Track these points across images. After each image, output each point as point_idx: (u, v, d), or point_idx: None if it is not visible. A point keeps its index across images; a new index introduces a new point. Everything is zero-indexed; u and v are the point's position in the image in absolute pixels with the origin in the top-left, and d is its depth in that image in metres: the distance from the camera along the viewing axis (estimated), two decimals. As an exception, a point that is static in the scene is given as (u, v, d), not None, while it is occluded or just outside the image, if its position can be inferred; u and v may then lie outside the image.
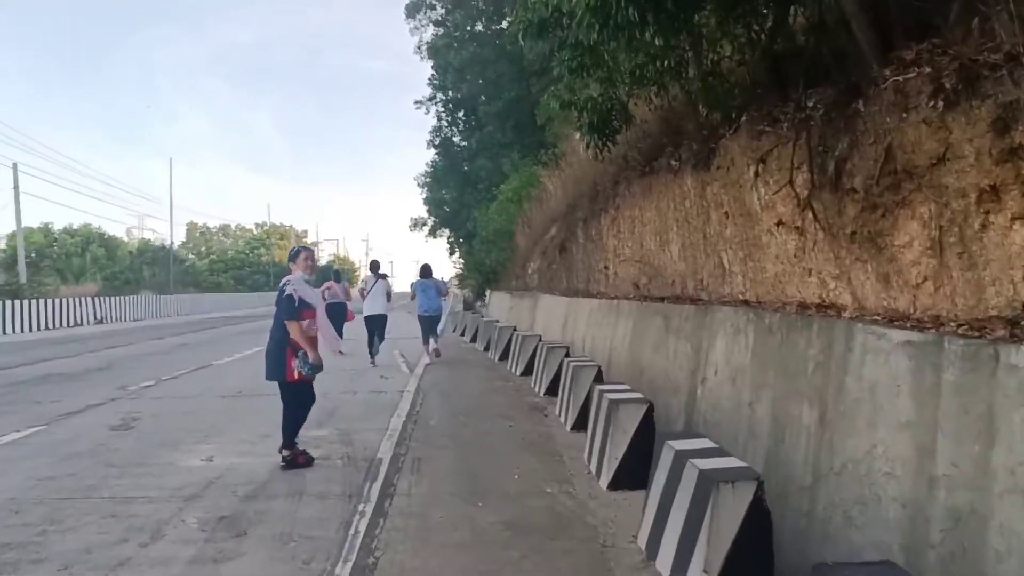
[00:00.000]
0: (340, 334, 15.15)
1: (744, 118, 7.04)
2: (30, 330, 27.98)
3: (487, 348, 16.53)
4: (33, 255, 57.67)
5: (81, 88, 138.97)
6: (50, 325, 29.89)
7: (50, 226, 59.02)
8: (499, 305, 27.55)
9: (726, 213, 7.39)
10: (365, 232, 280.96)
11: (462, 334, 22.07)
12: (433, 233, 54.63)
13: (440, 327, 16.66)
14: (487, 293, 34.85)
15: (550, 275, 19.25)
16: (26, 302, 29.00)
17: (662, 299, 9.80)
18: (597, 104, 9.06)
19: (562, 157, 22.34)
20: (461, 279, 44.79)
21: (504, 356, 14.35)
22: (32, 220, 67.68)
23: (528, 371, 11.99)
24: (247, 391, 10.79)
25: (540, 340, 12.32)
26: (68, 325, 31.06)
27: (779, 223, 6.38)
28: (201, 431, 8.10)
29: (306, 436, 7.41)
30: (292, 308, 6.57)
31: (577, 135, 12.19)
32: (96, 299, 34.98)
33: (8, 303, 27.64)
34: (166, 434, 7.97)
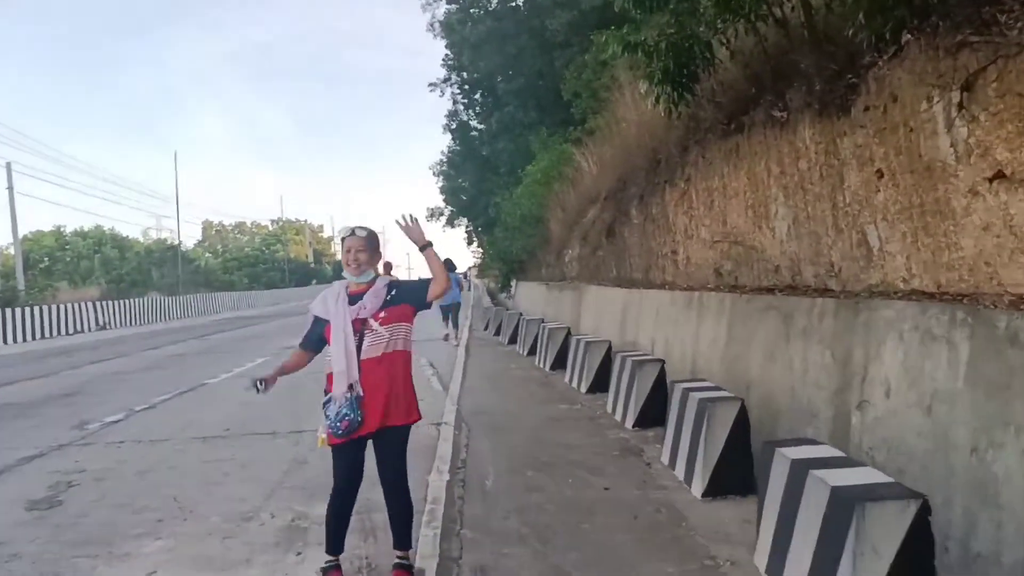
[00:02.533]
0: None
1: (925, 29, 4.62)
2: (24, 340, 25.70)
3: (531, 351, 13.93)
4: (45, 259, 55.89)
5: (98, 89, 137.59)
6: (48, 333, 27.62)
7: (61, 229, 57.23)
8: (529, 296, 25.03)
9: (879, 172, 5.10)
10: (381, 225, 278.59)
11: (496, 333, 19.43)
12: (451, 223, 52.79)
13: (460, 318, 18.41)
14: (512, 284, 32.37)
15: (595, 263, 16.62)
16: (21, 310, 26.71)
17: (770, 290, 7.33)
18: (673, 44, 7.22)
19: (595, 132, 20.17)
20: (481, 269, 42.37)
21: (559, 364, 11.72)
22: (46, 224, 66.03)
23: (598, 387, 9.40)
24: (236, 429, 8.26)
25: (610, 348, 9.74)
26: (68, 332, 28.81)
27: (996, 177, 3.91)
28: (154, 511, 5.52)
29: (296, 518, 4.86)
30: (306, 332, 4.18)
31: (626, 92, 9.79)
32: (98, 303, 32.71)
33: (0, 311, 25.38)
34: (102, 519, 5.40)
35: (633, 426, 7.40)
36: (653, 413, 7.38)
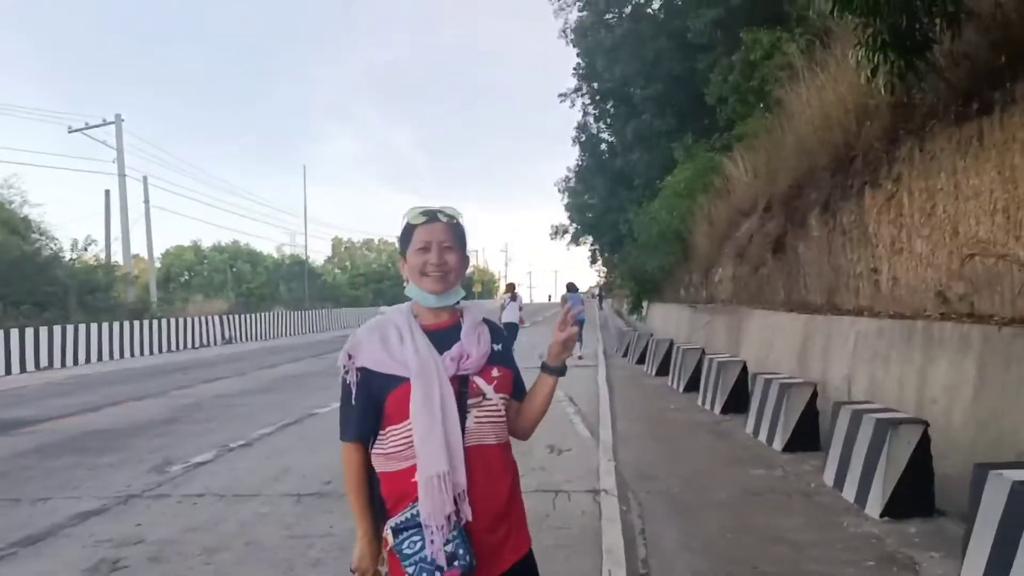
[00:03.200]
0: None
1: None
2: (151, 353, 25.49)
3: (691, 387, 11.72)
4: (185, 274, 57.74)
5: (239, 115, 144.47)
6: (175, 347, 27.45)
7: (199, 244, 58.98)
8: (666, 320, 22.78)
9: None
10: (504, 243, 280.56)
11: (639, 360, 17.23)
12: (576, 240, 51.27)
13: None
14: (644, 305, 30.13)
15: (756, 283, 14.30)
16: (150, 322, 26.60)
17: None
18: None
19: (745, 138, 17.60)
20: (606, 289, 40.48)
21: (732, 407, 9.48)
22: (186, 239, 68.57)
23: (799, 444, 7.17)
24: (338, 483, 6.56)
25: (815, 393, 7.49)
26: (195, 346, 28.61)
27: None
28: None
29: None
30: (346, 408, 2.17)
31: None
32: (225, 317, 32.61)
33: (129, 324, 25.24)
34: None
35: (881, 515, 5.15)
36: (910, 495, 5.14)
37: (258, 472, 7.10)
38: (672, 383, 12.59)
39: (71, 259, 28.83)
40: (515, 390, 2.25)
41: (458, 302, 2.23)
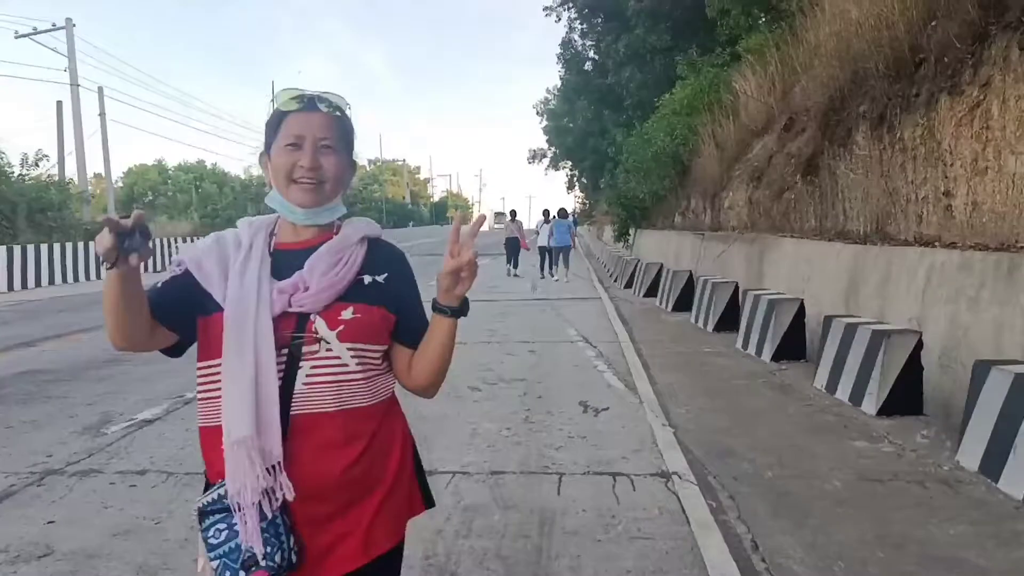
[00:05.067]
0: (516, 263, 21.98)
1: None
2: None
3: (721, 326, 10.28)
4: (149, 194, 55.40)
5: (204, 29, 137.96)
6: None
7: (163, 162, 56.70)
8: (660, 248, 21.31)
9: None
10: (478, 167, 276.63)
11: (650, 293, 15.71)
12: (555, 165, 50.18)
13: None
14: (631, 233, 28.77)
15: (780, 209, 12.80)
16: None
17: None
18: None
19: (755, 51, 16.19)
20: (584, 215, 39.31)
21: (787, 354, 8.05)
22: (149, 158, 65.64)
23: (898, 406, 5.77)
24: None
25: (920, 344, 6.05)
26: (156, 270, 26.68)
27: None
28: None
29: None
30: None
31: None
32: (189, 239, 30.60)
33: (84, 245, 23.27)
34: None
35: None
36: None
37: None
38: (697, 320, 11.13)
39: (20, 175, 26.58)
40: (400, 333, 1.76)
41: (339, 221, 1.75)
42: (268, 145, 1.69)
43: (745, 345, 8.78)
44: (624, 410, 6.17)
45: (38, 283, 20.74)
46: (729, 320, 10.22)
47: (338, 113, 1.69)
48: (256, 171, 59.46)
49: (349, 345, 1.62)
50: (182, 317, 1.64)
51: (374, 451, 1.68)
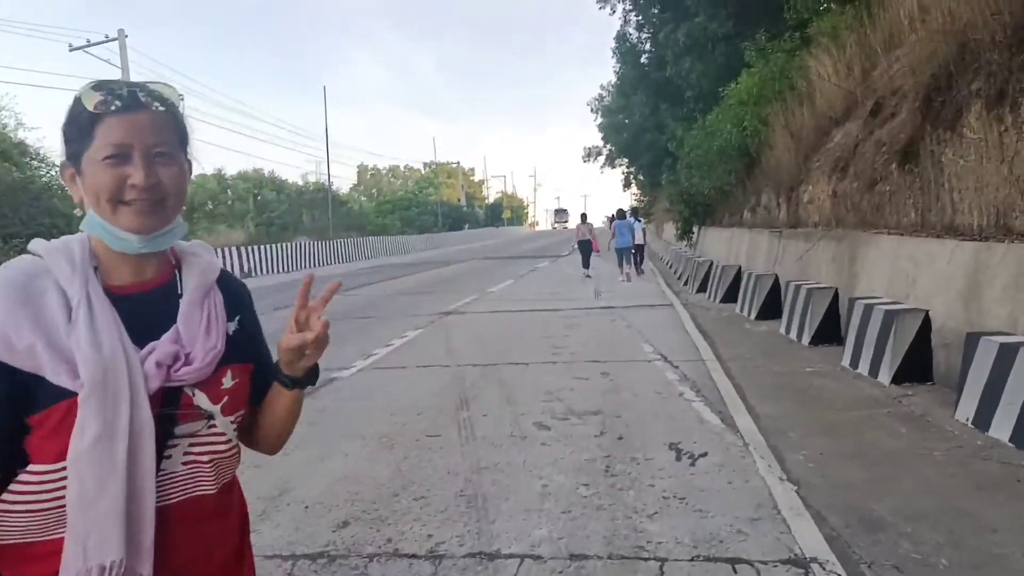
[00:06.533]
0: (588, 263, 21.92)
1: None
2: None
3: (819, 339, 8.98)
4: (209, 203, 55.94)
5: (253, 37, 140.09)
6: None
7: (222, 172, 57.20)
8: (727, 247, 20.11)
9: None
10: (532, 167, 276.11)
11: (728, 298, 14.45)
12: (611, 163, 49.32)
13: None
14: (695, 231, 27.64)
15: (872, 202, 11.47)
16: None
17: None
18: None
19: (824, 35, 15.38)
20: (641, 212, 38.34)
21: (908, 375, 6.77)
22: (209, 167, 66.44)
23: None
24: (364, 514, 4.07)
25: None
26: (210, 281, 26.26)
27: None
28: None
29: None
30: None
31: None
32: (244, 248, 30.24)
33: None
34: None
35: None
36: None
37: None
38: (789, 331, 9.84)
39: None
40: (255, 391, 1.48)
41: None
42: (73, 155, 1.30)
43: (854, 363, 7.51)
44: (726, 456, 5.02)
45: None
46: (828, 332, 8.95)
47: (165, 106, 1.32)
48: (313, 176, 59.58)
49: (232, 417, 1.40)
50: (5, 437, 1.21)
51: (240, 519, 1.54)
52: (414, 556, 3.68)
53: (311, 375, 1.46)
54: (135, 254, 1.31)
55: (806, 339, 9.13)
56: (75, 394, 1.19)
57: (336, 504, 4.41)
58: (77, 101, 1.27)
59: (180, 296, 1.35)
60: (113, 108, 1.25)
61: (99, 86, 1.27)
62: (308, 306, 1.41)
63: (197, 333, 1.33)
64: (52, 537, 1.21)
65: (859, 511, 4.06)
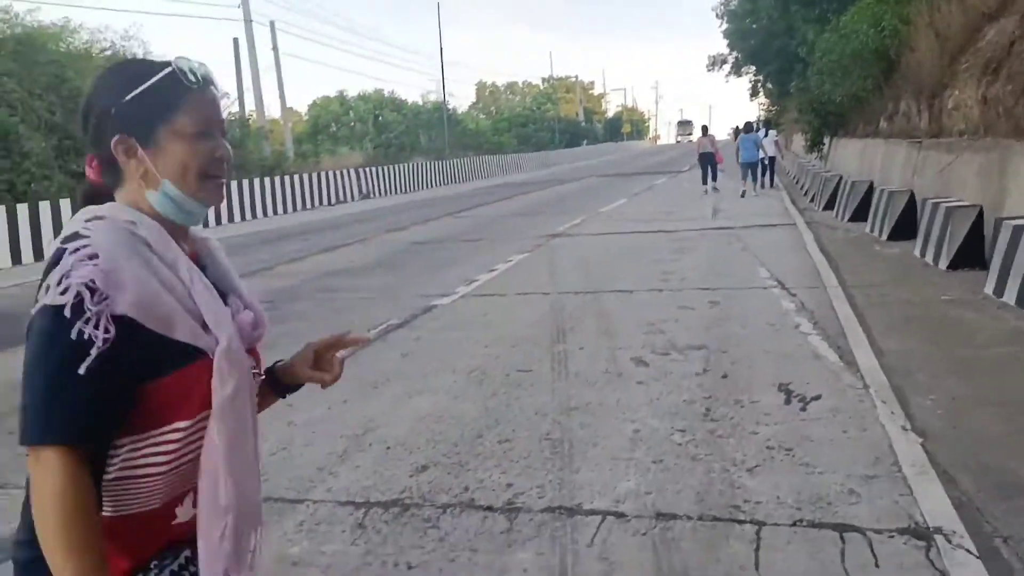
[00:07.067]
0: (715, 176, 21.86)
1: None
2: (283, 212, 23.83)
3: (958, 263, 8.12)
4: (332, 125, 57.24)
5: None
6: (309, 204, 25.74)
7: (344, 93, 58.12)
8: (860, 158, 18.75)
9: None
10: (654, 80, 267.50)
11: (851, 216, 13.49)
12: (737, 71, 47.10)
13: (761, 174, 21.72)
14: (825, 142, 26.11)
15: (1028, 108, 10.26)
16: (280, 179, 24.89)
17: None
18: None
19: None
20: (770, 123, 36.58)
21: (1019, 289, 6.04)
22: (332, 90, 67.54)
23: None
24: (452, 468, 3.88)
25: None
26: (330, 203, 26.92)
27: None
28: None
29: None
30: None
31: None
32: (362, 170, 30.64)
33: (260, 182, 23.59)
34: None
35: None
36: None
37: (322, 439, 4.48)
38: (925, 254, 8.95)
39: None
40: None
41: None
42: (142, 128, 1.26)
43: (999, 291, 6.70)
44: (842, 399, 4.54)
45: (218, 221, 21.07)
46: (969, 255, 8.07)
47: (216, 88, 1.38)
48: (433, 96, 59.52)
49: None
50: (119, 412, 1.21)
51: None
52: (489, 508, 3.47)
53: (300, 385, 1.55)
54: (186, 226, 1.36)
55: (943, 263, 8.26)
56: (205, 352, 1.24)
57: (418, 446, 4.25)
58: (169, 74, 1.28)
59: (204, 268, 1.36)
60: (201, 84, 1.30)
61: (187, 61, 1.30)
62: (335, 347, 1.50)
63: (252, 299, 1.42)
64: (165, 499, 1.28)
65: (996, 472, 3.54)
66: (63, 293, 1.13)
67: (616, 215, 16.79)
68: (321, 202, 26.65)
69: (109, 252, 1.17)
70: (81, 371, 1.12)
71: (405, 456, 4.13)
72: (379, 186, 31.03)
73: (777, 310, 6.86)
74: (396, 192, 31.64)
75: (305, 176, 26.57)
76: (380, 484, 3.81)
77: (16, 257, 14.13)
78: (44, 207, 14.88)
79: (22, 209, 14.64)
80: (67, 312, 1.12)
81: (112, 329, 1.14)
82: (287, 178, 25.39)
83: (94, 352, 1.12)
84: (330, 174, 28.29)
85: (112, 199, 1.29)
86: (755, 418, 4.34)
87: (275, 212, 23.67)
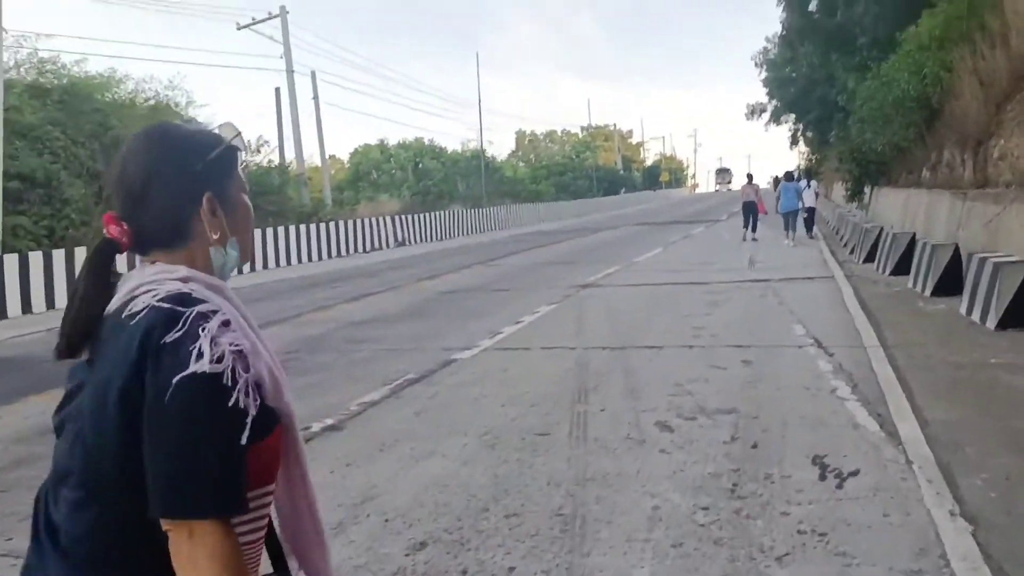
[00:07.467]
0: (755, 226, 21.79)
1: None
2: (318, 259, 23.90)
3: (1006, 323, 7.65)
4: (373, 172, 58.09)
5: (409, 8, 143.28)
6: (344, 251, 25.83)
7: (385, 141, 59.12)
8: (902, 209, 18.33)
9: None
10: (692, 128, 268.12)
11: (869, 259, 13.05)
12: (776, 119, 47.01)
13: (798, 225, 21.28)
14: (866, 192, 25.69)
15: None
16: (316, 227, 25.04)
17: None
18: None
19: None
20: (810, 172, 36.35)
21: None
22: (372, 138, 68.75)
23: None
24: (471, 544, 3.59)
25: None
26: (365, 250, 26.99)
27: None
28: None
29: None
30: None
31: None
32: (397, 218, 30.77)
33: (295, 229, 23.71)
34: None
35: None
36: None
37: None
38: (972, 312, 8.49)
39: (243, 162, 27.87)
40: None
41: None
42: (220, 188, 1.29)
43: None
44: (883, 476, 4.16)
45: (252, 267, 21.18)
46: (1020, 313, 7.60)
47: None
48: (472, 144, 60.07)
49: None
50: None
51: None
52: (487, 596, 3.16)
53: None
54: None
55: (992, 322, 7.80)
56: (279, 416, 1.24)
57: (419, 518, 3.96)
58: (229, 136, 1.32)
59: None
60: (239, 147, 1.35)
61: (230, 128, 1.34)
62: None
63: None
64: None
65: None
66: (218, 361, 1.10)
67: (650, 265, 16.47)
68: (357, 249, 26.74)
69: (234, 316, 1.18)
70: (243, 441, 1.12)
71: (404, 530, 3.84)
72: (415, 233, 31.10)
73: (813, 371, 6.47)
74: (432, 239, 31.68)
75: (341, 223, 26.73)
76: (372, 563, 3.52)
77: (51, 303, 14.22)
78: (80, 253, 15.03)
79: (58, 255, 14.79)
80: (226, 380, 1.10)
81: (254, 396, 1.15)
82: (323, 225, 25.56)
83: (248, 421, 1.13)
84: (366, 221, 28.46)
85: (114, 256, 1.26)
86: (786, 496, 3.98)
87: (310, 259, 23.74)
